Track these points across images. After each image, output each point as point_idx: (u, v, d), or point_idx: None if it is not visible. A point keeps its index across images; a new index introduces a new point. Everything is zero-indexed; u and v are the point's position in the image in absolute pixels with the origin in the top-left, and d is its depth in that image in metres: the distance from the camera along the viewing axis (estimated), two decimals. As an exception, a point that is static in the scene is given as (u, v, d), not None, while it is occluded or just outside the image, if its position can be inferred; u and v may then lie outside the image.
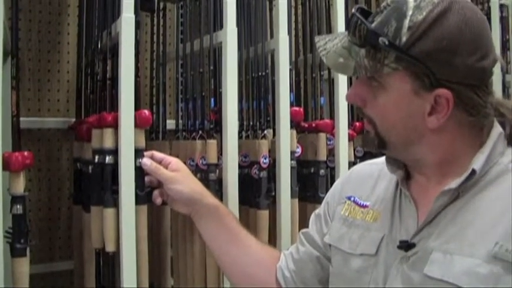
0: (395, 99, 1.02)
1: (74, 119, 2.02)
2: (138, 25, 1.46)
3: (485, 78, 1.02)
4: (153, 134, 1.98)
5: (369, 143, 1.10)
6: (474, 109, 1.01)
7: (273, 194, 1.77)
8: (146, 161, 1.39)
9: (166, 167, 1.40)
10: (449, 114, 1.00)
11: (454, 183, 1.00)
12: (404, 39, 0.97)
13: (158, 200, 1.40)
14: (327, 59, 1.07)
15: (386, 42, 0.98)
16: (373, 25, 1.01)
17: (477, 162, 1.01)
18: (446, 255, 0.97)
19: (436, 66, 0.97)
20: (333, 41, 1.08)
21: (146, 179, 1.41)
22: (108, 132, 1.45)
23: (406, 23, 0.98)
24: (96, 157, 1.49)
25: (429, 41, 0.97)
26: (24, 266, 1.35)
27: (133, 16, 1.43)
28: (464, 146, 1.04)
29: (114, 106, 1.48)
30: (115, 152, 1.44)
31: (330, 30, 2.06)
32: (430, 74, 0.98)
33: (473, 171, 1.00)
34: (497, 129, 1.06)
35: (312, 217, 1.34)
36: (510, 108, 1.10)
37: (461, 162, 1.03)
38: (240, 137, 1.78)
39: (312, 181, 1.91)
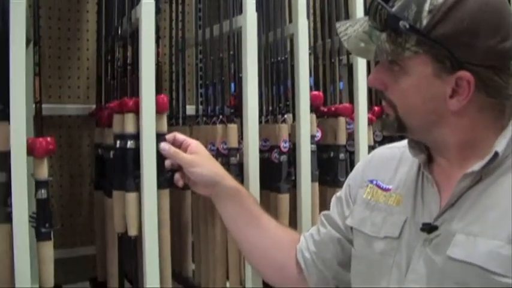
0: (417, 82, 1.02)
1: (94, 106, 2.04)
2: (157, 11, 1.46)
3: (507, 60, 1.01)
4: (173, 120, 2.00)
5: (388, 127, 1.11)
6: (495, 91, 1.01)
7: (294, 178, 1.77)
8: (164, 146, 1.38)
9: (186, 149, 1.40)
10: (471, 97, 1.00)
11: (476, 166, 1.01)
12: (424, 22, 0.98)
13: (180, 183, 1.40)
14: (348, 43, 1.08)
15: (407, 26, 0.98)
16: (393, 9, 1.01)
17: (500, 145, 1.01)
18: (469, 237, 0.97)
19: (457, 48, 0.98)
20: (354, 26, 1.09)
21: (166, 162, 1.41)
22: (130, 117, 1.46)
23: (427, 6, 0.98)
24: (118, 142, 1.49)
25: (450, 24, 0.97)
26: (49, 249, 1.36)
27: (153, 2, 1.43)
28: (486, 128, 1.04)
29: (135, 91, 1.48)
30: (136, 137, 1.45)
31: (348, 15, 2.05)
32: (451, 57, 0.98)
33: (496, 154, 1.00)
34: None
35: (333, 200, 1.35)
36: None
37: (483, 145, 1.03)
38: (260, 122, 1.78)
39: (332, 165, 1.91)
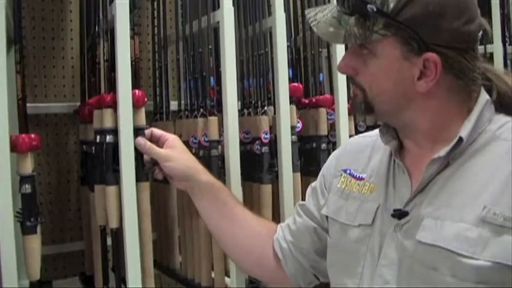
0: (386, 65, 1.04)
1: (79, 103, 2.06)
2: (132, 8, 1.48)
3: (472, 42, 1.04)
4: (158, 115, 2.03)
5: (357, 108, 1.13)
6: (462, 72, 1.03)
7: (276, 169, 1.79)
8: (140, 141, 1.40)
9: (164, 143, 1.42)
10: (438, 78, 1.02)
11: (442, 152, 1.03)
12: (391, 5, 0.99)
13: (159, 176, 1.42)
14: (317, 28, 1.09)
15: (375, 9, 1.00)
16: None
17: (464, 130, 1.03)
18: (437, 221, 0.99)
19: (423, 30, 1.00)
20: (323, 12, 1.10)
21: (145, 157, 1.43)
22: (108, 113, 1.48)
23: None
24: (98, 137, 1.51)
25: (415, 7, 0.99)
26: (34, 242, 1.39)
27: (127, -1, 1.46)
28: (453, 111, 1.06)
29: (113, 87, 1.50)
30: (115, 132, 1.47)
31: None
32: (418, 39, 1.00)
33: (460, 139, 1.02)
34: (484, 96, 1.08)
35: (308, 190, 1.37)
36: (497, 74, 1.12)
37: (450, 129, 1.05)
38: (242, 115, 1.81)
39: (314, 155, 1.93)
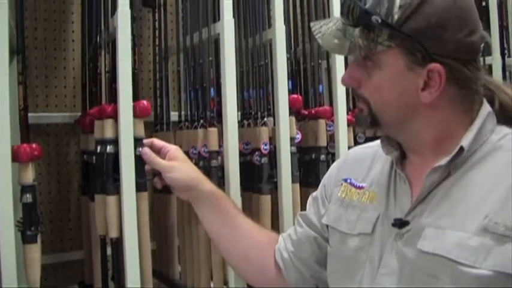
0: (390, 76, 1.05)
1: (80, 114, 2.07)
2: (134, 19, 1.50)
3: (475, 53, 1.05)
4: (158, 126, 2.04)
5: (362, 122, 1.13)
6: (465, 83, 1.04)
7: (275, 180, 1.80)
8: (146, 151, 1.42)
9: (165, 154, 1.43)
10: (442, 89, 1.02)
11: (443, 161, 1.03)
12: (396, 17, 1.01)
13: (158, 185, 1.43)
14: (322, 40, 1.10)
15: (379, 21, 1.01)
16: (366, 6, 1.04)
17: (465, 140, 1.03)
18: (439, 231, 1.00)
19: (427, 41, 1.01)
20: (328, 25, 1.11)
21: (146, 167, 1.45)
22: (109, 123, 1.49)
23: (397, 1, 1.01)
24: (99, 147, 1.53)
25: (420, 18, 1.00)
26: (35, 252, 1.39)
27: (129, 10, 1.47)
28: (456, 122, 1.06)
29: (114, 98, 1.51)
30: (116, 142, 1.48)
31: (328, 20, 2.09)
32: (422, 50, 1.01)
33: (462, 149, 1.03)
34: (486, 107, 1.08)
35: (310, 200, 1.37)
36: (498, 85, 1.13)
37: (453, 140, 1.05)
38: (242, 126, 1.82)
39: (314, 166, 1.94)
